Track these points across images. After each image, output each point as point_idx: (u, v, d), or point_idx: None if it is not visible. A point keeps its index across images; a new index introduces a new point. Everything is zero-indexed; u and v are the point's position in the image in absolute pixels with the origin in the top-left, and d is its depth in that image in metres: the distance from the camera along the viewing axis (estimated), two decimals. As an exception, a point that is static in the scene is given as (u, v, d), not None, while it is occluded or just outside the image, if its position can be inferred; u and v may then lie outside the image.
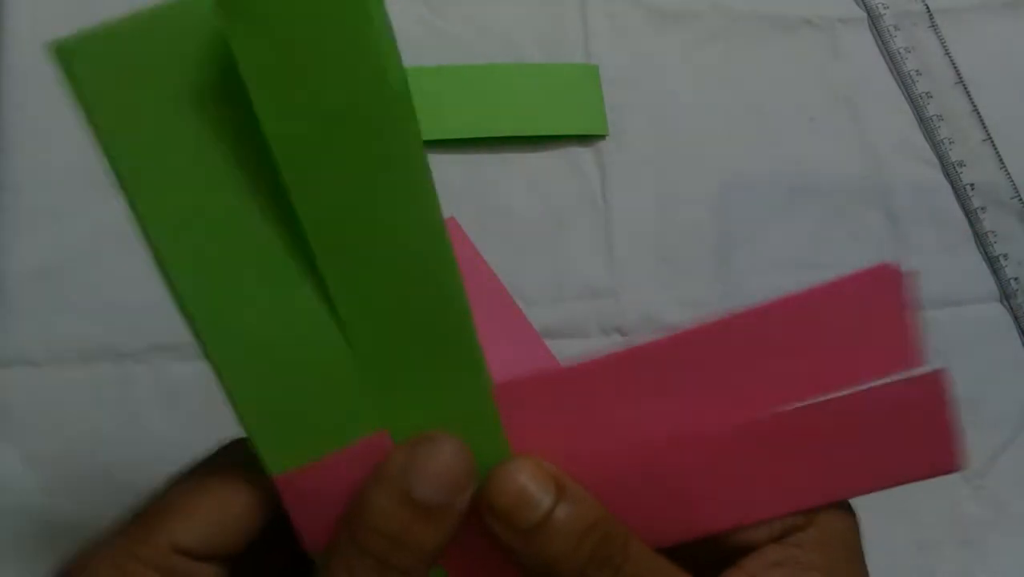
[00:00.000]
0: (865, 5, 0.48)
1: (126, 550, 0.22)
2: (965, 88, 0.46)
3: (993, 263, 0.43)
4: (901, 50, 0.47)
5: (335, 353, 0.21)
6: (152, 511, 0.23)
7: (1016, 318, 0.43)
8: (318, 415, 0.22)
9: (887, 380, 0.24)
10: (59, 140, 0.39)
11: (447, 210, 0.22)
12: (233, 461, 0.23)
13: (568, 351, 0.38)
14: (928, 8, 0.47)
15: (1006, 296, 0.43)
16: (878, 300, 0.25)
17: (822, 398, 0.23)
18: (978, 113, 0.45)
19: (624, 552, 0.22)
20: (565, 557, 0.22)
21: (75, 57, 0.20)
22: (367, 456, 0.22)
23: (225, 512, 0.23)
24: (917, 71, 0.46)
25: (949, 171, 0.45)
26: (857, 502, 0.29)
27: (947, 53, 0.47)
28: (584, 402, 0.23)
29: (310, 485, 0.22)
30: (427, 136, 0.41)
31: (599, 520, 0.22)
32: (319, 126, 0.19)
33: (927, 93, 0.46)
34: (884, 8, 0.47)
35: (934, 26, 0.47)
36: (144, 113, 0.20)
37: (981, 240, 0.44)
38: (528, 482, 0.22)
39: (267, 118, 0.19)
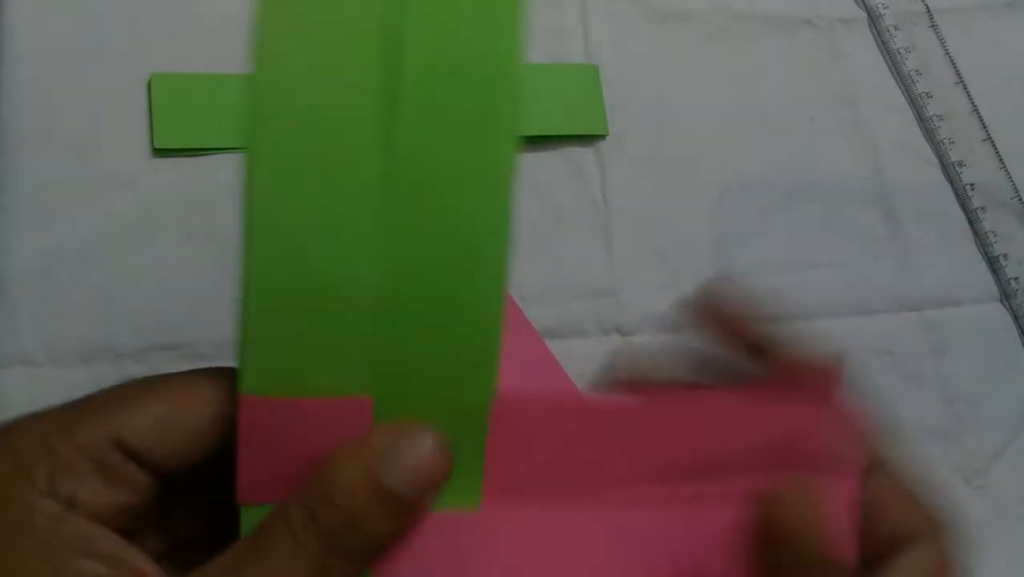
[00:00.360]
0: (865, 5, 0.48)
1: (60, 426, 0.21)
2: (965, 88, 0.46)
3: (993, 263, 0.43)
4: (901, 50, 0.47)
5: (365, 302, 0.20)
6: (101, 396, 0.22)
7: (1016, 318, 0.43)
8: (318, 354, 0.21)
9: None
10: (59, 140, 0.38)
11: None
12: (199, 376, 0.22)
13: (568, 351, 0.38)
14: (928, 8, 0.47)
15: (1006, 296, 0.43)
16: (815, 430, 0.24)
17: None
18: (978, 113, 0.45)
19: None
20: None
21: None
22: (341, 417, 0.21)
23: (176, 415, 0.21)
24: (917, 71, 0.46)
25: (949, 171, 0.45)
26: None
27: (947, 53, 0.47)
28: (547, 441, 0.23)
29: (271, 422, 0.21)
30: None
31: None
32: (451, 85, 0.19)
33: (927, 93, 0.46)
34: (884, 8, 0.47)
35: (934, 26, 0.47)
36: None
37: (981, 240, 0.44)
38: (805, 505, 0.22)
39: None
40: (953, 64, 0.46)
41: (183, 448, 0.21)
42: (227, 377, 0.22)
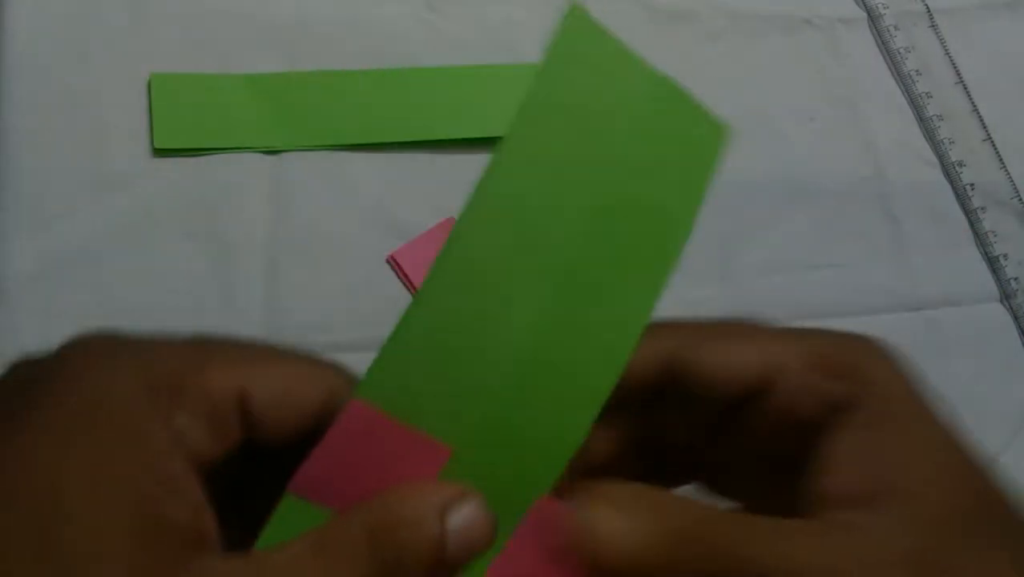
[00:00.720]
0: (865, 5, 0.48)
1: (195, 364, 0.20)
2: (965, 88, 0.46)
3: (993, 263, 0.43)
4: (901, 50, 0.47)
5: (501, 373, 0.22)
6: (233, 345, 0.21)
7: (1016, 318, 0.43)
8: (440, 391, 0.21)
9: None
10: (59, 140, 0.38)
11: (449, 210, 0.22)
12: (326, 363, 0.22)
13: (568, 351, 0.39)
14: (928, 8, 0.47)
15: (1006, 296, 0.43)
16: None
17: None
18: (978, 113, 0.45)
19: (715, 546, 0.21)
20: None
21: None
22: (418, 455, 0.22)
23: (297, 390, 0.21)
24: (917, 71, 0.46)
25: (949, 171, 0.45)
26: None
27: (947, 53, 0.47)
28: None
29: (362, 430, 0.21)
30: (428, 136, 0.41)
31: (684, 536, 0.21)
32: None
33: (927, 93, 0.46)
34: (884, 8, 0.47)
35: (934, 26, 0.47)
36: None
37: (981, 240, 0.44)
38: (604, 521, 0.21)
39: None
40: (953, 64, 0.46)
41: (290, 422, 0.21)
42: (343, 375, 0.22)
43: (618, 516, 0.21)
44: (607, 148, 0.22)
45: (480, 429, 0.22)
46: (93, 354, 0.20)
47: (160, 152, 0.39)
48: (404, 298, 0.38)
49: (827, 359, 0.22)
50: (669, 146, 0.23)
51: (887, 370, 0.22)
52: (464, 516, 0.21)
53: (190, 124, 0.39)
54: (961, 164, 0.45)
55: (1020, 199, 0.44)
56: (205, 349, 0.21)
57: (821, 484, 0.21)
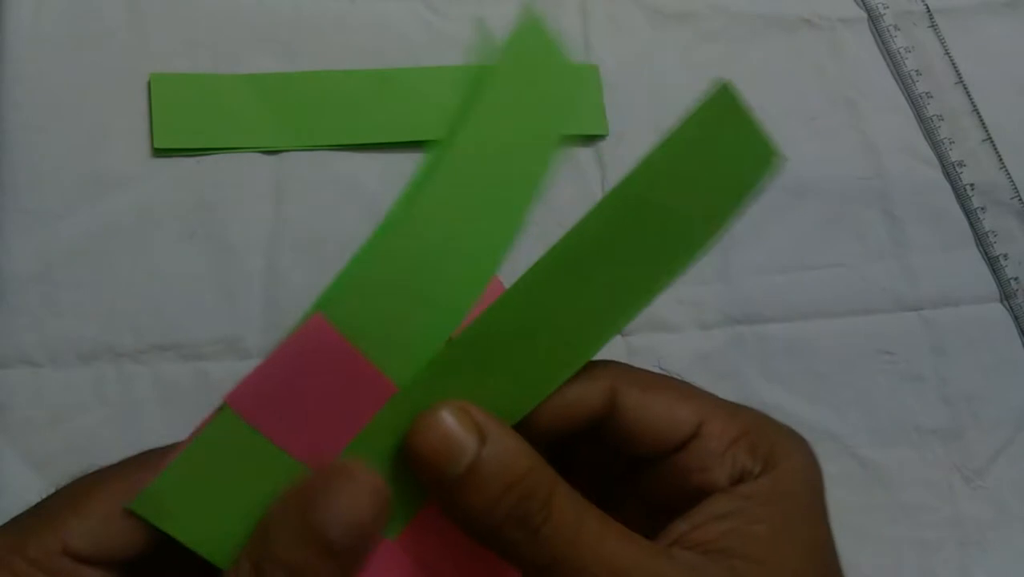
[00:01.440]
0: (865, 5, 0.48)
1: (15, 542, 0.21)
2: (965, 88, 0.46)
3: (993, 263, 0.43)
4: (901, 50, 0.47)
5: (450, 318, 0.22)
6: (46, 507, 0.22)
7: (1016, 318, 0.43)
8: (396, 325, 0.22)
9: None
10: (58, 140, 0.38)
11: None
12: (134, 465, 0.23)
13: (568, 351, 0.39)
14: (928, 8, 0.47)
15: (1006, 296, 0.43)
16: None
17: None
18: (978, 113, 0.45)
19: (545, 511, 0.21)
20: (483, 513, 0.21)
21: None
22: (363, 387, 0.22)
23: (118, 516, 0.22)
24: (917, 71, 0.46)
25: (949, 171, 0.45)
26: (859, 501, 0.29)
27: (947, 53, 0.47)
28: None
29: (314, 351, 0.21)
30: (427, 136, 0.41)
31: (525, 473, 0.21)
32: None
33: (927, 93, 0.46)
34: (884, 8, 0.47)
35: (934, 26, 0.47)
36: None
37: (981, 240, 0.44)
38: (454, 427, 0.21)
39: None
40: (953, 64, 0.46)
41: (126, 540, 0.22)
42: (154, 464, 0.22)
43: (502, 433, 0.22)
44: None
45: (435, 370, 0.22)
46: None
47: (160, 152, 0.39)
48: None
49: (751, 436, 0.23)
50: (712, 159, 0.24)
51: (797, 463, 0.23)
52: (340, 503, 0.21)
53: (190, 124, 0.39)
54: (961, 164, 0.45)
55: (1020, 199, 0.44)
56: (28, 520, 0.22)
57: (683, 526, 0.22)
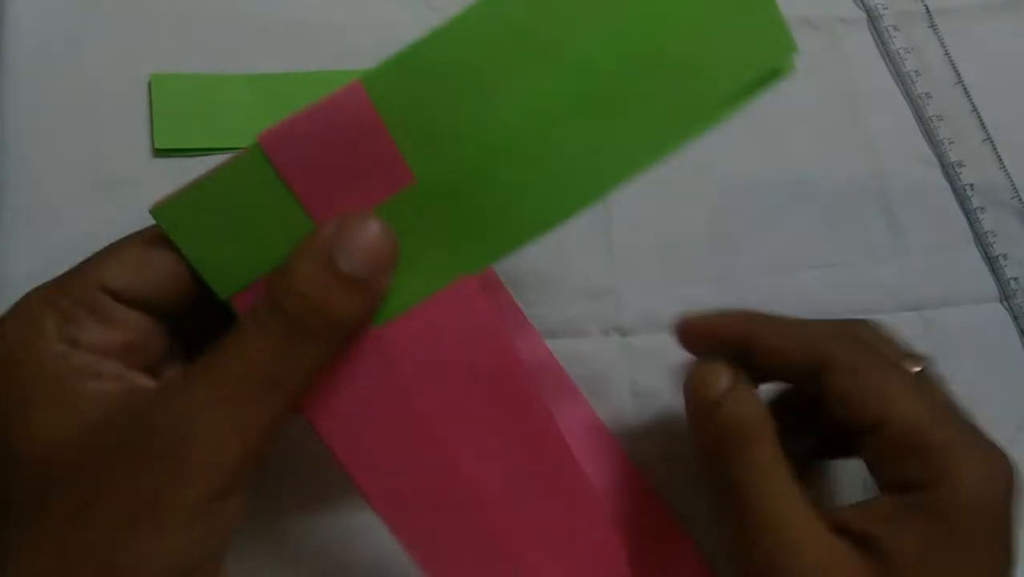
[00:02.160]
0: (864, 5, 0.48)
1: (56, 285, 0.24)
2: (965, 88, 0.46)
3: (993, 263, 0.43)
4: (901, 50, 0.47)
5: (487, 126, 0.23)
6: (86, 260, 0.25)
7: (1016, 318, 0.43)
8: (427, 125, 0.23)
9: None
10: (58, 140, 0.39)
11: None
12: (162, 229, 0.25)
13: (568, 351, 0.39)
14: (928, 8, 0.47)
15: (1006, 296, 0.43)
16: None
17: None
18: (978, 113, 0.46)
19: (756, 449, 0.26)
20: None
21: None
22: (383, 171, 0.23)
23: (151, 262, 0.25)
24: (917, 71, 0.46)
25: (948, 171, 0.45)
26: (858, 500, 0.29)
27: (947, 53, 0.47)
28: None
29: (347, 111, 0.23)
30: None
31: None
32: None
33: (927, 93, 0.46)
34: (883, 8, 0.47)
35: (934, 26, 0.47)
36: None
37: (981, 240, 0.44)
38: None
39: None
40: (953, 64, 0.46)
41: (159, 283, 0.25)
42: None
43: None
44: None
45: (449, 175, 0.23)
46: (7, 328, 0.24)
47: (160, 152, 0.39)
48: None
49: (934, 445, 0.25)
50: (727, 31, 0.24)
51: (972, 480, 0.24)
52: (354, 237, 0.23)
53: (190, 124, 0.39)
54: (961, 164, 0.45)
55: (1020, 199, 0.44)
56: (70, 271, 0.25)
57: (847, 515, 0.26)
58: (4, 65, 0.39)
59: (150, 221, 0.39)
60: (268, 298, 0.23)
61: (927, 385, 0.27)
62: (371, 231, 0.23)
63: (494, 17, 0.23)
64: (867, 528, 0.24)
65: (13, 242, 0.37)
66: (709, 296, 0.41)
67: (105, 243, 0.38)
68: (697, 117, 0.25)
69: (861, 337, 0.28)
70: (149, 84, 0.40)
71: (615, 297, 0.40)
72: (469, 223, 0.23)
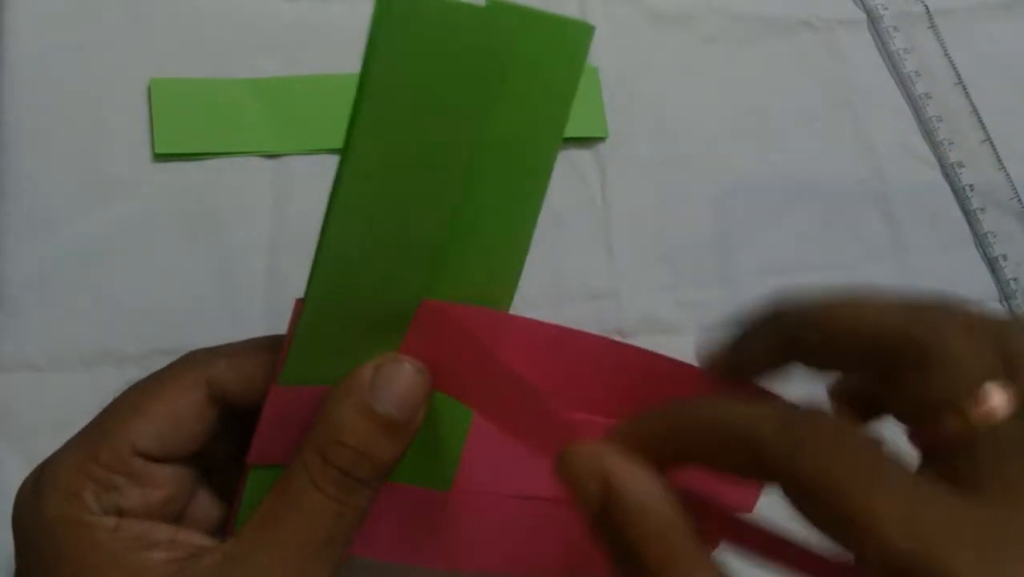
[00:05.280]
0: (864, 6, 0.48)
1: (88, 454, 0.24)
2: (964, 89, 0.46)
3: (992, 264, 0.43)
4: (900, 51, 0.47)
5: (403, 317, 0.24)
6: (111, 415, 0.24)
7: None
8: (352, 357, 0.24)
9: None
10: (59, 144, 0.39)
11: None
12: (185, 366, 0.25)
13: (568, 353, 0.38)
14: (927, 9, 0.47)
15: (1006, 296, 0.43)
16: None
17: None
18: (977, 114, 0.46)
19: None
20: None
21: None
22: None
23: (174, 411, 0.24)
24: (916, 72, 0.46)
25: (948, 172, 0.45)
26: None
27: (946, 54, 0.47)
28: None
29: (293, 401, 0.24)
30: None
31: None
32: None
33: (926, 94, 0.46)
34: (883, 9, 0.47)
35: (933, 27, 0.47)
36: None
37: (980, 241, 0.44)
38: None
39: None
40: (952, 65, 0.46)
41: (190, 436, 0.24)
42: (203, 362, 0.25)
43: None
44: (464, 94, 0.23)
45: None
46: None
47: (160, 156, 0.39)
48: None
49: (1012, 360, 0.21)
50: (532, 71, 0.24)
51: None
52: (389, 381, 0.23)
53: (190, 128, 0.39)
54: (960, 165, 0.45)
55: (1019, 200, 0.44)
56: (93, 433, 0.24)
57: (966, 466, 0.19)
58: (4, 70, 0.39)
59: (150, 224, 0.39)
60: (314, 448, 0.23)
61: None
62: (406, 373, 0.24)
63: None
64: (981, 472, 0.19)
65: (15, 247, 0.37)
66: (709, 297, 0.41)
67: (106, 247, 0.38)
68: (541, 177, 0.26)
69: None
70: (149, 89, 0.40)
71: (615, 297, 0.40)
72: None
